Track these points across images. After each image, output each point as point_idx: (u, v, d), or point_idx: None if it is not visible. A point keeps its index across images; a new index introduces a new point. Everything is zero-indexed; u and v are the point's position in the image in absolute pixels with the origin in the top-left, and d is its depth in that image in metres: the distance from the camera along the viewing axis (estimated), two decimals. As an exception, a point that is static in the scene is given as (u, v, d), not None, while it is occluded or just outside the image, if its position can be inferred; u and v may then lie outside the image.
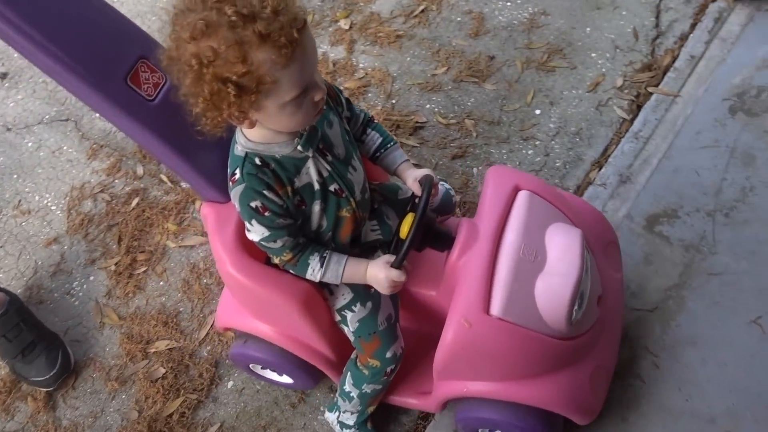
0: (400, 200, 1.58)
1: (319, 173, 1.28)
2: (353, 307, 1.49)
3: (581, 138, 2.38)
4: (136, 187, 2.53)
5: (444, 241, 1.42)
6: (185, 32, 1.03)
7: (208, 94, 1.06)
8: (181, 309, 2.21)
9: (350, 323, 1.51)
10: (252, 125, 1.17)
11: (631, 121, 2.37)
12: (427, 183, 1.35)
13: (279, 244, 1.30)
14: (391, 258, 1.35)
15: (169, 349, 2.11)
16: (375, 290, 1.42)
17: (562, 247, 1.39)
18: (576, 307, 1.37)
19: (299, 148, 1.24)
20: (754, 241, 2.01)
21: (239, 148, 1.25)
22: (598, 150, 2.34)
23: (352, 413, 1.70)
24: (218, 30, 1.01)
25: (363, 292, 1.49)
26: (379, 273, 1.35)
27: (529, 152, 2.37)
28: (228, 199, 1.34)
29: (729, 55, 2.45)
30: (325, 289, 1.51)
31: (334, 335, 1.60)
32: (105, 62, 1.25)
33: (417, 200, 1.40)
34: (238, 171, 1.23)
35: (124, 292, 2.26)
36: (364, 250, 1.52)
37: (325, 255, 1.35)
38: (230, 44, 1.00)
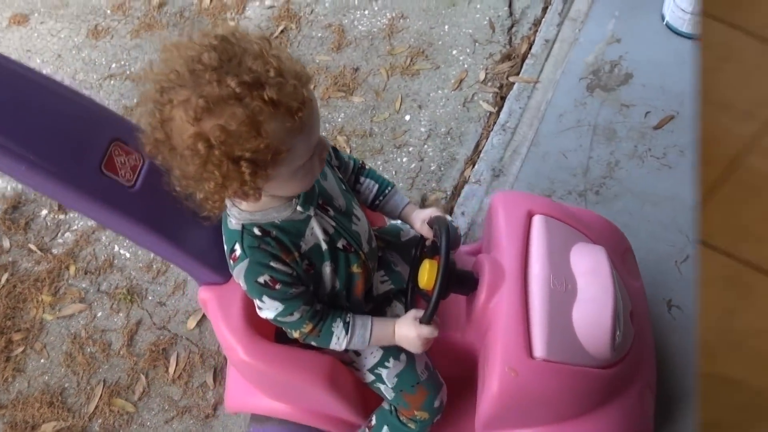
0: (403, 243, 1.46)
1: (325, 231, 1.15)
2: (386, 363, 1.36)
3: (452, 137, 2.38)
4: (3, 262, 2.37)
5: (468, 283, 1.31)
6: (182, 113, 0.89)
7: (219, 177, 0.93)
8: (66, 385, 2.08)
9: (387, 380, 1.37)
10: (260, 198, 1.03)
11: (498, 113, 2.39)
12: (443, 227, 1.21)
13: (296, 316, 1.16)
14: (419, 313, 1.23)
15: (57, 431, 1.98)
16: None
17: (590, 269, 1.30)
18: (618, 331, 1.28)
19: (299, 208, 1.11)
20: (625, 213, 2.05)
21: (233, 221, 1.11)
22: (469, 147, 2.35)
23: None
24: (224, 105, 0.88)
25: (392, 345, 1.34)
26: (409, 332, 1.23)
27: (404, 159, 2.36)
28: (226, 278, 1.20)
29: (580, 35, 2.50)
30: (350, 352, 1.37)
31: (359, 397, 1.48)
32: (75, 152, 1.08)
33: (427, 242, 1.31)
34: (237, 246, 1.10)
35: (2, 378, 2.11)
36: (377, 303, 1.39)
37: (348, 320, 1.22)
38: (241, 120, 0.88)
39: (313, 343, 1.25)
